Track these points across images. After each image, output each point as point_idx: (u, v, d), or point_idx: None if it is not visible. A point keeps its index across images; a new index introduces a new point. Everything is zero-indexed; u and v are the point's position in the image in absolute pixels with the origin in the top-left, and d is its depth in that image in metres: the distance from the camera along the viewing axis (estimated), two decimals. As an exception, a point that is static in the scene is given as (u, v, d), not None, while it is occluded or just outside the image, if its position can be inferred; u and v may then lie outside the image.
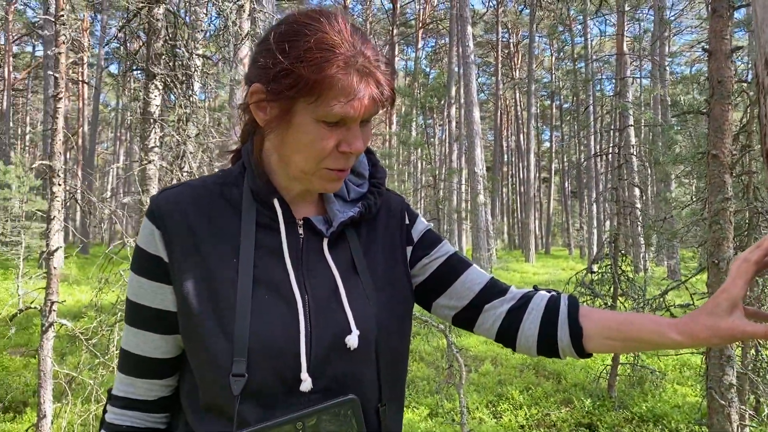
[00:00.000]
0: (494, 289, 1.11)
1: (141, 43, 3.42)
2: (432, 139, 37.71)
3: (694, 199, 4.16)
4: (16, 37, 27.79)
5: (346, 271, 0.98)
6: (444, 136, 28.72)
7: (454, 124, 24.23)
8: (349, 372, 0.93)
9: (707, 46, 3.23)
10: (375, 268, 1.02)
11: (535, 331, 1.06)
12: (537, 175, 36.47)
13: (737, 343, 3.37)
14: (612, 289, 5.55)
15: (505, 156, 39.49)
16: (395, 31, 27.66)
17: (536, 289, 1.14)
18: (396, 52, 29.44)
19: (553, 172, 37.02)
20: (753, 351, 3.75)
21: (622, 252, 5.50)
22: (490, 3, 30.00)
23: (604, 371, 5.78)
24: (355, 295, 0.97)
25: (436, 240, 1.14)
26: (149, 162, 3.15)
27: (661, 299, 4.22)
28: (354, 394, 0.91)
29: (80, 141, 24.74)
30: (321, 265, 0.97)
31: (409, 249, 1.11)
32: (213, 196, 0.98)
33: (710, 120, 3.10)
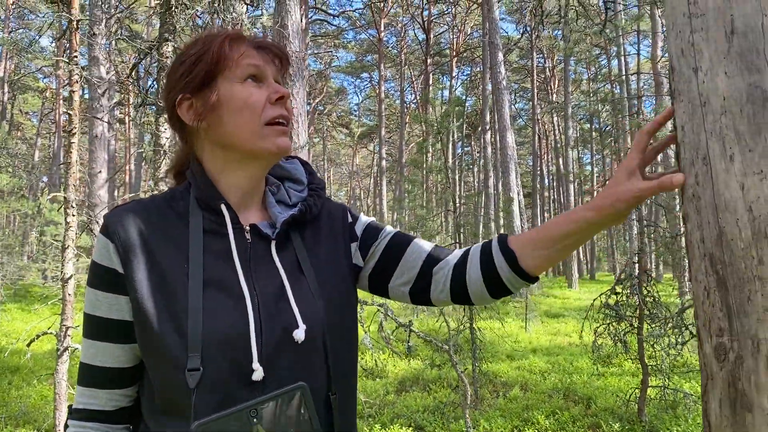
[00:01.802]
0: (440, 253, 1.18)
1: (153, 80, 3.62)
2: (471, 166, 37.62)
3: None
4: (65, 82, 29.17)
5: (292, 271, 1.05)
6: (481, 162, 28.64)
7: (489, 149, 24.18)
8: (299, 363, 0.99)
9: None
10: (319, 267, 1.09)
11: (479, 273, 1.12)
12: (579, 199, 35.88)
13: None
14: (638, 310, 5.43)
15: (546, 180, 39.04)
16: (429, 61, 27.93)
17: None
18: (431, 81, 29.69)
19: (594, 195, 36.30)
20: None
21: (648, 272, 5.38)
22: (525, 29, 30.07)
23: (634, 395, 5.63)
24: (301, 293, 1.03)
25: (380, 227, 1.23)
26: (160, 192, 3.29)
27: (679, 318, 4.13)
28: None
29: (127, 178, 25.61)
30: (268, 266, 1.04)
31: (355, 245, 1.19)
32: (162, 210, 1.05)
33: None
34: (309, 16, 26.55)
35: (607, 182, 1.05)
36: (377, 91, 30.32)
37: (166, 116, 1.24)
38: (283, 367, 0.97)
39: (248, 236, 1.05)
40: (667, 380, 5.73)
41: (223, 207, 1.04)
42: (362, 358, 7.47)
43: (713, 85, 0.96)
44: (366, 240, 1.19)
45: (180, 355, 0.92)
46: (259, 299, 0.99)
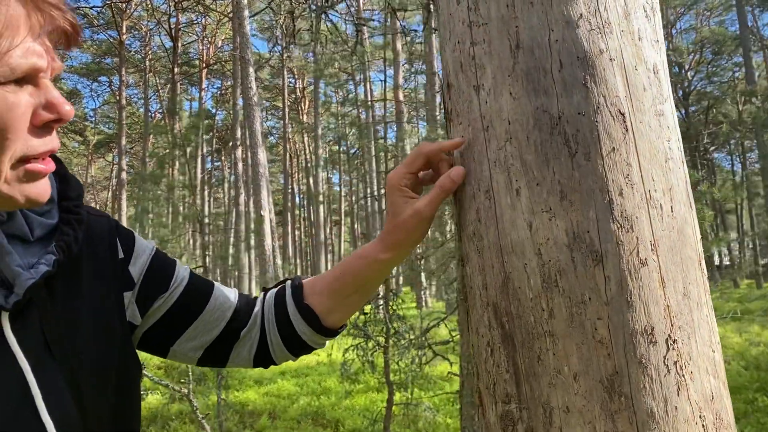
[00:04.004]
0: (246, 306, 0.93)
1: None
2: (221, 182, 36.71)
3: (448, 238, 4.32)
4: None
5: (39, 356, 0.65)
6: (232, 178, 28.04)
7: (240, 166, 23.74)
8: None
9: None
10: (82, 339, 0.71)
11: (279, 340, 0.92)
12: (328, 217, 37.10)
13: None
14: (385, 329, 5.55)
15: (297, 199, 39.73)
16: (177, 70, 26.58)
17: (265, 290, 0.99)
18: (179, 92, 28.31)
19: (343, 215, 37.99)
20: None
21: (393, 291, 5.54)
22: (276, 48, 30.33)
23: (380, 414, 5.73)
24: (56, 392, 0.65)
25: (169, 268, 0.86)
26: None
27: (423, 338, 4.29)
28: None
29: None
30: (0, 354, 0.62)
31: (130, 295, 0.80)
32: None
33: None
34: (35, 6, 23.44)
35: (388, 212, 0.90)
36: (117, 97, 27.87)
37: None
38: None
39: None
40: (410, 396, 5.95)
41: None
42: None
43: (497, 106, 0.83)
44: (148, 291, 0.84)
45: None
46: None
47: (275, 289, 0.97)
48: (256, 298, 0.97)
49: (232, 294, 0.93)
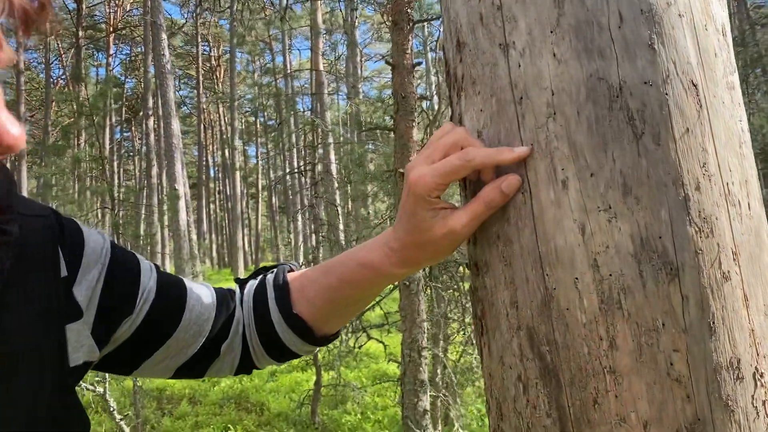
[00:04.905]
0: (226, 309, 0.77)
1: None
2: (132, 154, 35.12)
3: (385, 217, 4.16)
4: None
5: None
6: (144, 150, 26.71)
7: (152, 137, 22.61)
8: None
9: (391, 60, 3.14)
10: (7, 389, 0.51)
11: (262, 347, 0.79)
12: (245, 191, 36.21)
13: (428, 366, 3.32)
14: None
15: (212, 171, 38.52)
16: (82, 34, 24.84)
17: (240, 282, 0.83)
18: (84, 57, 26.54)
19: (260, 188, 37.16)
20: (440, 371, 3.82)
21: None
22: (189, 14, 28.92)
23: (307, 396, 5.56)
24: None
25: (131, 273, 0.68)
26: None
27: (357, 321, 4.14)
28: None
29: None
30: None
31: (78, 327, 0.60)
32: None
33: (396, 137, 3.00)
34: None
35: (403, 217, 0.69)
36: (15, 61, 25.75)
37: None
38: None
39: None
40: (338, 376, 5.80)
41: None
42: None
43: (535, 71, 0.64)
44: (108, 315, 0.63)
45: None
46: None
47: (254, 285, 0.80)
48: (233, 292, 0.80)
49: (208, 297, 0.75)
